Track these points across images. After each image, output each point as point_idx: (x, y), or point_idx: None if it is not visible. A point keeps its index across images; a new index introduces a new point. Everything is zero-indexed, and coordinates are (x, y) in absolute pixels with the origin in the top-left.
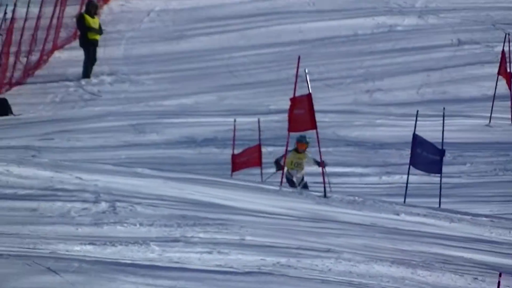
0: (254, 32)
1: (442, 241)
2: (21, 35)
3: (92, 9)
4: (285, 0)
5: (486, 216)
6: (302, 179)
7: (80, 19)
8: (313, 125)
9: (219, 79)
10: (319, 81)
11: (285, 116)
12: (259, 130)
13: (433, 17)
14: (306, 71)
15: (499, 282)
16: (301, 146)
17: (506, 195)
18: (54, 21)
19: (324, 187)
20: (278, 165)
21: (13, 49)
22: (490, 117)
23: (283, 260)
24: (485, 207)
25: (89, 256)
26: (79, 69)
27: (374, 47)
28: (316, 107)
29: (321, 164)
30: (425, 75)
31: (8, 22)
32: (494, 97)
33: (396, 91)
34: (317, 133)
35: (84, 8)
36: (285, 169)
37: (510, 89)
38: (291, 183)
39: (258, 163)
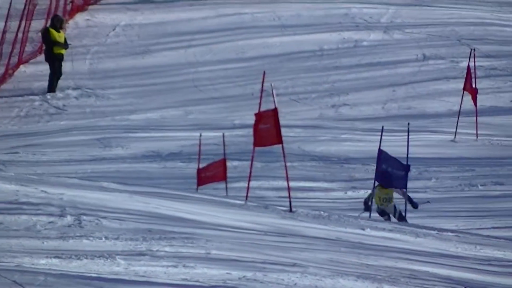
0: (220, 46)
1: (408, 256)
2: None
3: (58, 23)
4: (251, 15)
5: (451, 231)
6: (395, 208)
7: (45, 33)
8: (279, 139)
9: (185, 94)
10: (285, 95)
11: (250, 130)
12: (224, 145)
13: (398, 32)
14: (272, 85)
15: None
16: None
17: (471, 210)
18: (20, 35)
19: (290, 201)
20: (367, 206)
21: None
22: (456, 133)
23: (249, 274)
24: (451, 222)
25: (55, 269)
26: (45, 83)
27: (339, 62)
28: (281, 122)
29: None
30: (391, 90)
31: None
32: (459, 113)
33: (362, 106)
34: (282, 147)
35: (49, 22)
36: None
37: (475, 104)
38: (383, 214)
39: (223, 177)
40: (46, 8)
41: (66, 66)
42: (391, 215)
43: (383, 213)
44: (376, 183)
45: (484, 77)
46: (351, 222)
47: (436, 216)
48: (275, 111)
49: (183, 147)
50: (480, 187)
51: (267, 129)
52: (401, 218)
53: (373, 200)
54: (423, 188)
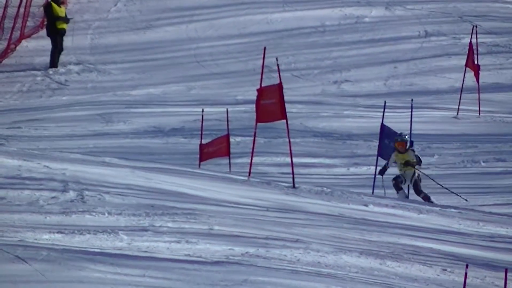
0: (222, 22)
1: (411, 232)
2: None
3: None
4: None
5: (454, 207)
6: (414, 175)
7: (47, 8)
8: (283, 115)
9: (187, 69)
10: (286, 71)
11: (253, 106)
12: (227, 121)
13: (400, 8)
14: (277, 59)
15: (466, 274)
16: (399, 145)
17: (474, 187)
18: (21, 10)
19: (293, 177)
20: (384, 170)
21: None
22: (458, 109)
23: (251, 250)
24: (454, 199)
25: (58, 244)
26: (47, 59)
27: (341, 38)
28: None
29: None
30: (392, 67)
31: None
32: (461, 89)
33: (364, 83)
34: (287, 123)
35: None
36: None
37: (477, 81)
38: (397, 186)
39: (226, 153)
40: None
41: (67, 41)
42: (407, 180)
43: (398, 178)
44: (393, 151)
45: (486, 54)
46: (354, 198)
47: (439, 193)
48: (279, 86)
49: (185, 122)
50: (482, 164)
51: (271, 104)
52: (416, 185)
53: (388, 167)
54: (425, 164)
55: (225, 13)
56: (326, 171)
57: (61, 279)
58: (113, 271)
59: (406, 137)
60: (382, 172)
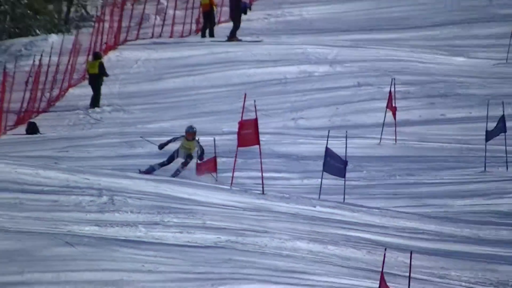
0: (213, 75)
1: (346, 225)
2: (46, 77)
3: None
4: (234, 53)
5: (377, 208)
6: (187, 157)
7: (101, 65)
8: (258, 141)
9: (188, 109)
10: (260, 111)
11: (235, 135)
12: (215, 146)
13: (340, 66)
14: (255, 102)
15: (384, 255)
16: (189, 135)
17: (391, 194)
18: (69, 66)
19: (263, 186)
20: (164, 145)
21: (40, 86)
22: (380, 138)
23: (232, 238)
24: (377, 202)
25: (96, 234)
26: (87, 102)
27: (298, 87)
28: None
29: (201, 151)
30: (335, 108)
31: (36, 67)
32: (383, 124)
33: (314, 119)
34: (259, 148)
35: (91, 57)
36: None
37: (394, 118)
38: (170, 158)
39: (214, 169)
40: (87, 47)
41: (102, 89)
42: (179, 158)
43: (173, 155)
44: (181, 136)
45: (401, 99)
46: (306, 201)
47: (366, 198)
48: (255, 120)
49: None
50: (397, 177)
51: (249, 134)
52: (185, 164)
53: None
54: (357, 177)
55: (216, 69)
56: (286, 182)
57: (98, 258)
58: (135, 253)
59: (194, 129)
60: (162, 146)
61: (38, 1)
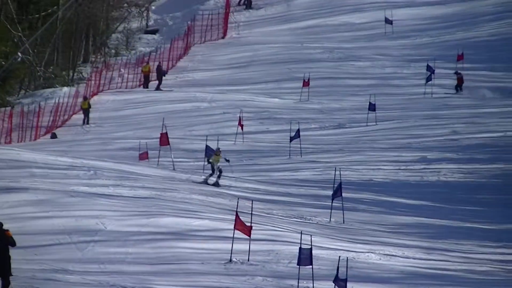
0: (148, 108)
1: (217, 188)
2: (61, 109)
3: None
4: (159, 96)
5: (233, 177)
6: (220, 170)
7: (87, 105)
8: (168, 143)
9: (134, 126)
10: (168, 126)
11: (157, 139)
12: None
13: (214, 103)
14: (163, 120)
15: (237, 201)
16: (217, 153)
17: (241, 169)
18: (73, 104)
19: (173, 165)
20: (208, 161)
21: (58, 114)
22: (235, 141)
23: (158, 193)
24: (234, 174)
25: (86, 191)
26: (81, 122)
27: (191, 114)
28: None
29: (227, 160)
30: (211, 125)
31: (56, 104)
32: (236, 133)
33: (200, 130)
34: (170, 146)
35: (83, 99)
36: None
37: (242, 130)
38: (212, 170)
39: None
40: (82, 94)
41: (90, 115)
42: (216, 171)
43: (213, 166)
44: (214, 154)
45: (245, 120)
46: (197, 173)
47: (230, 174)
48: (166, 133)
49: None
50: (244, 161)
51: (165, 138)
52: (219, 177)
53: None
54: (224, 162)
55: (149, 105)
56: (186, 164)
57: (88, 203)
58: (107, 201)
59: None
60: (208, 161)
61: (56, 70)
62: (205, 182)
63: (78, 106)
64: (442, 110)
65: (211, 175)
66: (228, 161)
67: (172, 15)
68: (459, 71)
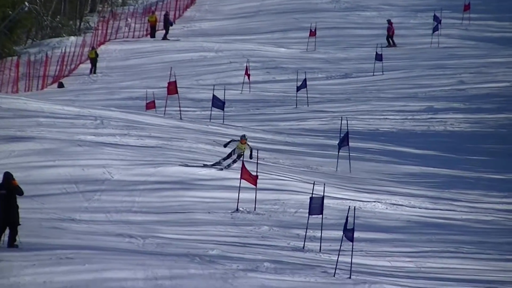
0: (154, 57)
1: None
2: (68, 58)
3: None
4: (166, 46)
5: (241, 126)
6: (241, 154)
7: (95, 56)
8: (177, 91)
9: (140, 75)
10: (177, 75)
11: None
12: (257, 159)
13: (220, 52)
14: (171, 70)
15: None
16: (242, 141)
17: (247, 119)
18: (80, 53)
19: (180, 115)
20: (225, 145)
21: (64, 63)
22: (242, 90)
23: (165, 142)
24: (237, 123)
25: (93, 140)
26: (88, 70)
27: (198, 64)
28: None
29: (251, 152)
30: (217, 75)
31: (63, 53)
32: (243, 82)
33: (207, 80)
34: (178, 95)
35: (91, 48)
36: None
37: (249, 79)
38: (228, 155)
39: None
40: (89, 43)
41: (99, 65)
42: (235, 156)
43: (231, 153)
44: (237, 140)
45: (252, 69)
46: (202, 122)
47: (229, 121)
48: (175, 82)
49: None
50: (250, 110)
51: (173, 86)
52: (234, 161)
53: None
54: (229, 110)
55: (156, 55)
56: (193, 113)
57: (94, 152)
58: (113, 150)
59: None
60: (225, 145)
61: (63, 19)
62: (219, 164)
63: (85, 56)
64: (448, 60)
65: (225, 158)
66: (251, 157)
67: None
68: (390, 19)
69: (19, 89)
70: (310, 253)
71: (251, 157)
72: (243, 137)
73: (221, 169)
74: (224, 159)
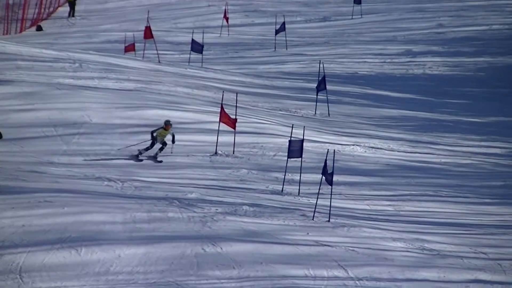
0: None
1: (202, 80)
2: (46, 1)
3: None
4: None
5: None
6: (163, 143)
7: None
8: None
9: (119, 18)
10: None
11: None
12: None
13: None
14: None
15: (223, 94)
16: (167, 126)
17: (226, 62)
18: None
19: (158, 57)
20: (151, 135)
21: (43, 6)
22: (220, 33)
23: (143, 85)
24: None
25: (72, 83)
26: (66, 13)
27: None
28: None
29: (173, 136)
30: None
31: None
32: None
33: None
34: (153, 39)
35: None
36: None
37: (228, 22)
38: (152, 144)
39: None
40: None
41: (77, 8)
42: (157, 143)
43: (155, 141)
44: (160, 127)
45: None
46: (181, 65)
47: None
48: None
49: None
50: (229, 54)
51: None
52: (161, 149)
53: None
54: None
55: None
56: (175, 56)
57: (73, 96)
58: (92, 94)
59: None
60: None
61: None
62: (137, 157)
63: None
64: (427, 3)
65: (147, 149)
66: (174, 142)
67: None
68: None
69: None
70: (289, 197)
71: (173, 141)
72: (167, 123)
73: (141, 160)
74: (146, 149)
